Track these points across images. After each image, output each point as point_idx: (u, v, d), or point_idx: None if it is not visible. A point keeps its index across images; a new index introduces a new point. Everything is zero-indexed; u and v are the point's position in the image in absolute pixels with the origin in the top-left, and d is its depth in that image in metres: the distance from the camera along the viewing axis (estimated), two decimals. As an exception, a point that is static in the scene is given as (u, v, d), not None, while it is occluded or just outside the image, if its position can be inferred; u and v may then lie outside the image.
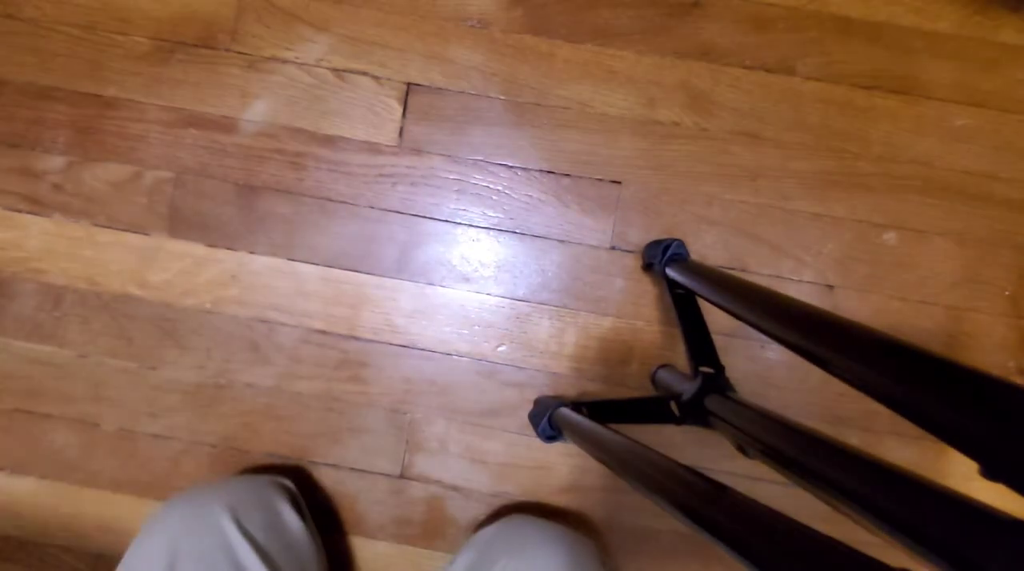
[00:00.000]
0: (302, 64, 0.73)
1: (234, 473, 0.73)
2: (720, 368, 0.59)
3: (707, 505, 0.35)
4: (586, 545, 0.52)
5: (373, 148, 0.73)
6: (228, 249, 0.73)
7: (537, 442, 0.71)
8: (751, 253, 0.72)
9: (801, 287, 0.72)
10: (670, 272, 0.64)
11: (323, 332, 0.73)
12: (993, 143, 0.71)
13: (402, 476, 0.73)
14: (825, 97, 0.72)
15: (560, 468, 0.72)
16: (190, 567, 0.46)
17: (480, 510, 0.73)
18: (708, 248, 0.72)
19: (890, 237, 0.72)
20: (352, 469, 0.73)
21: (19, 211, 0.73)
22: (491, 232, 0.73)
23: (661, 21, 0.73)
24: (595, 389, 0.72)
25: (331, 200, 0.73)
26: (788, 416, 0.44)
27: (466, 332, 0.72)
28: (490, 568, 0.49)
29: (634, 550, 0.72)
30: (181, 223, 0.73)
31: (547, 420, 0.64)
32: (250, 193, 0.73)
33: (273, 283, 0.73)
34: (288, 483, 0.62)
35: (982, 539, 0.25)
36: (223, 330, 0.73)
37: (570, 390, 0.72)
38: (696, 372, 0.58)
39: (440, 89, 0.73)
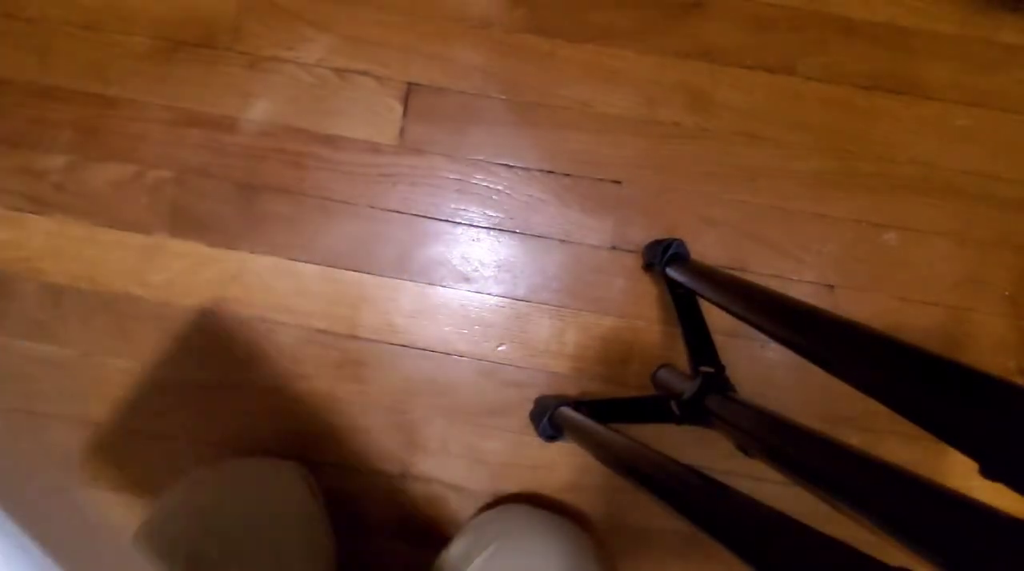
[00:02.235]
0: (303, 64, 0.73)
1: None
2: (720, 368, 0.59)
3: (707, 504, 0.35)
4: (581, 536, 0.53)
5: (374, 148, 0.73)
6: (229, 249, 0.73)
7: (538, 441, 0.71)
8: (751, 253, 0.72)
9: (801, 287, 0.72)
10: (670, 272, 0.65)
11: (323, 332, 0.73)
12: (993, 143, 0.72)
13: (403, 475, 0.73)
14: (825, 97, 0.72)
15: (560, 467, 0.72)
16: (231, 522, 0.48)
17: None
18: (708, 248, 0.72)
19: (890, 237, 0.72)
20: (353, 468, 0.73)
21: (21, 210, 0.73)
22: (492, 232, 0.73)
23: (662, 21, 0.73)
24: (595, 389, 0.72)
25: (332, 200, 0.73)
26: (788, 416, 0.44)
27: (466, 332, 0.72)
28: (483, 551, 0.49)
29: (634, 549, 0.72)
30: (182, 223, 0.73)
31: (547, 419, 0.64)
32: (251, 193, 0.73)
33: (274, 283, 0.73)
34: (302, 467, 0.64)
35: (981, 539, 0.25)
36: (224, 330, 0.73)
37: (570, 390, 0.72)
38: (696, 372, 0.58)
39: (441, 89, 0.73)
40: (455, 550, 0.55)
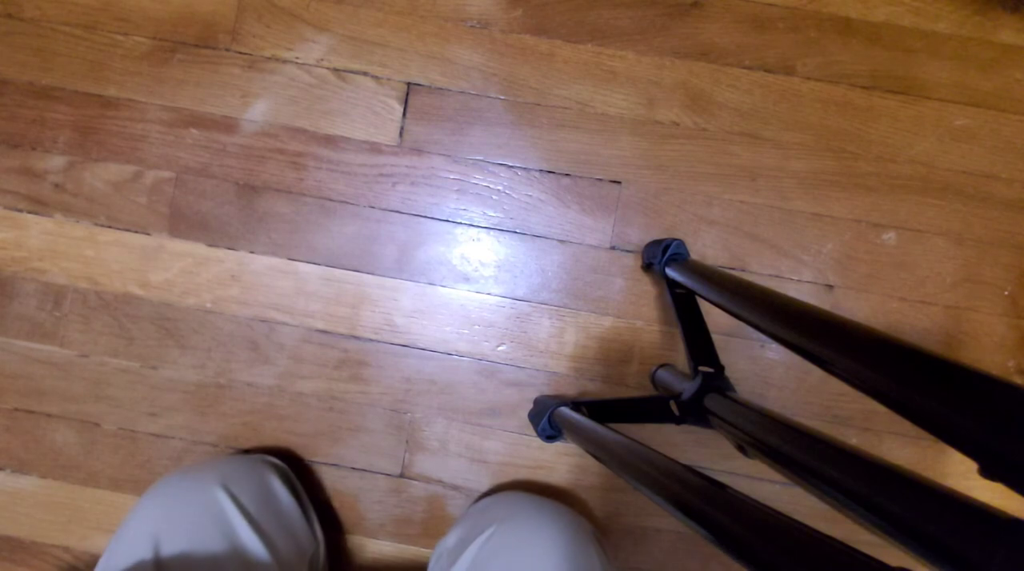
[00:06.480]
0: (302, 64, 0.73)
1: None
2: (720, 368, 0.59)
3: (706, 504, 0.35)
4: (579, 520, 0.53)
5: (373, 148, 0.73)
6: (229, 249, 0.73)
7: (537, 441, 0.71)
8: (751, 253, 0.72)
9: (801, 287, 0.72)
10: (670, 272, 0.65)
11: (323, 331, 0.73)
12: (992, 143, 0.72)
13: (402, 475, 0.73)
14: (824, 97, 0.72)
15: (560, 468, 0.72)
16: (180, 534, 0.46)
17: (480, 509, 0.73)
18: (708, 248, 0.72)
19: (889, 237, 0.72)
20: (352, 468, 0.73)
21: (20, 211, 0.73)
22: (491, 232, 0.73)
23: (661, 21, 0.73)
24: (595, 388, 0.72)
25: (331, 200, 0.73)
26: (787, 415, 0.44)
27: (466, 332, 0.73)
28: (481, 534, 0.49)
29: (633, 549, 0.73)
30: (182, 223, 0.73)
31: (547, 419, 0.64)
32: (251, 193, 0.73)
33: (274, 283, 0.73)
34: (279, 462, 0.64)
35: (981, 539, 0.26)
36: (224, 329, 0.73)
37: (570, 389, 0.72)
38: (696, 372, 0.58)
39: (440, 89, 0.73)
40: (453, 537, 0.55)
